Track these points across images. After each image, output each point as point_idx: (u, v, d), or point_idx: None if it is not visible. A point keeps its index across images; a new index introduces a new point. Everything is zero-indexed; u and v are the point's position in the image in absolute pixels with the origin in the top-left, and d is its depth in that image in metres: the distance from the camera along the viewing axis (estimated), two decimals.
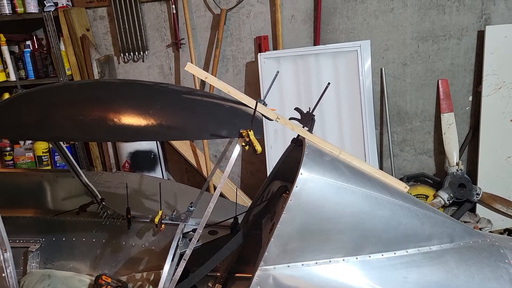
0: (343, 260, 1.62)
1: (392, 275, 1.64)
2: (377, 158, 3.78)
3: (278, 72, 1.97)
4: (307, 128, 1.80)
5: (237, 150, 1.60)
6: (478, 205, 3.76)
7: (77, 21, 3.82)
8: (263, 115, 1.75)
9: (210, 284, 2.22)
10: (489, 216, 3.73)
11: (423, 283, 1.64)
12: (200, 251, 2.19)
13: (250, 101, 1.73)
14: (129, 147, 3.98)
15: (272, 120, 1.77)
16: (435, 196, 3.72)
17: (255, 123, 1.62)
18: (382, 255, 1.66)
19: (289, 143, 1.96)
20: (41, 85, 3.70)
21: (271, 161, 3.79)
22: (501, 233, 3.69)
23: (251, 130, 1.54)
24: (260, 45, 3.86)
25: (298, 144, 1.88)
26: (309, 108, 1.82)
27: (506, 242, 1.85)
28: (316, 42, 3.80)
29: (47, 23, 3.68)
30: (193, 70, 1.71)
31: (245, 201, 3.86)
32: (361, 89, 3.65)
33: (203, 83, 3.96)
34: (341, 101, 3.72)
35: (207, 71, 4.01)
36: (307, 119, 1.80)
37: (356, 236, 1.64)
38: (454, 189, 3.68)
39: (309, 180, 1.58)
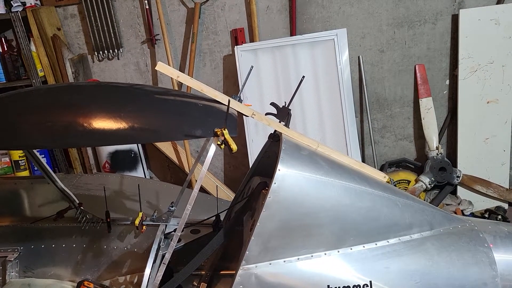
0: (325, 254, 1.62)
1: (374, 266, 1.64)
2: (358, 146, 3.79)
3: (252, 67, 1.94)
4: (284, 123, 1.79)
5: (212, 149, 1.58)
6: (459, 188, 3.81)
7: (47, 20, 3.72)
8: (238, 111, 1.73)
9: (195, 283, 2.21)
10: (470, 197, 3.78)
11: (405, 272, 1.65)
12: (184, 250, 2.17)
13: (224, 99, 1.70)
14: (108, 147, 3.91)
15: (247, 116, 1.74)
16: (416, 181, 3.76)
17: (230, 121, 1.59)
18: (364, 246, 1.66)
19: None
20: (13, 88, 3.65)
21: (253, 155, 3.77)
22: (482, 214, 3.75)
23: (226, 129, 1.51)
24: (237, 38, 3.82)
25: (275, 139, 1.86)
26: (285, 102, 1.81)
27: (485, 226, 1.87)
28: (292, 33, 3.77)
29: (15, 24, 3.58)
30: (165, 70, 1.67)
31: (229, 196, 3.85)
32: (340, 77, 3.64)
33: None
34: (320, 91, 3.71)
35: (184, 66, 3.97)
36: (283, 114, 1.79)
37: (337, 229, 1.64)
38: (435, 173, 3.72)
39: (287, 175, 1.57)
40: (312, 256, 1.61)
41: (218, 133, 1.53)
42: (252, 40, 3.82)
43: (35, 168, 3.83)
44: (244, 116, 1.75)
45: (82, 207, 2.32)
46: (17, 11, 3.58)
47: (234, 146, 1.50)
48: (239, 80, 3.73)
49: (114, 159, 3.92)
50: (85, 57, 4.03)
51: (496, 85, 3.62)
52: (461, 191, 3.81)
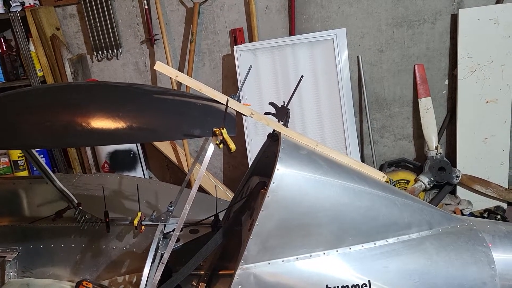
0: (324, 253, 1.62)
1: (372, 265, 1.64)
2: (357, 145, 3.79)
3: (251, 66, 1.94)
4: (283, 123, 1.78)
5: (211, 149, 1.58)
6: (458, 187, 3.81)
7: (46, 20, 3.71)
8: (237, 111, 1.73)
9: (194, 283, 2.21)
10: (469, 197, 3.78)
11: (404, 271, 1.65)
12: (183, 250, 2.17)
13: (222, 98, 1.70)
14: (107, 147, 3.91)
15: (246, 115, 1.74)
16: (416, 181, 3.76)
17: (229, 120, 1.59)
18: (363, 246, 1.66)
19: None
20: (12, 88, 3.64)
21: (252, 155, 3.77)
22: (481, 213, 3.75)
23: (224, 128, 1.51)
24: (236, 38, 3.81)
25: (274, 139, 1.86)
26: (284, 102, 1.80)
27: (484, 225, 1.87)
28: (291, 33, 3.77)
29: (14, 24, 3.57)
30: (163, 69, 1.67)
31: (228, 195, 3.85)
32: (339, 77, 3.64)
33: None
34: (319, 91, 3.71)
35: (183, 66, 3.97)
36: (282, 114, 1.79)
37: (336, 229, 1.64)
38: (434, 172, 3.72)
39: (286, 175, 1.57)
40: (311, 255, 1.61)
41: (217, 132, 1.52)
42: (251, 40, 3.81)
43: (34, 168, 3.83)
44: (243, 115, 1.75)
45: (81, 207, 2.31)
46: (16, 11, 3.57)
47: (232, 146, 1.50)
48: (238, 79, 3.73)
49: (113, 159, 3.91)
50: (84, 57, 4.03)
51: (495, 84, 3.62)
52: (460, 191, 3.82)
